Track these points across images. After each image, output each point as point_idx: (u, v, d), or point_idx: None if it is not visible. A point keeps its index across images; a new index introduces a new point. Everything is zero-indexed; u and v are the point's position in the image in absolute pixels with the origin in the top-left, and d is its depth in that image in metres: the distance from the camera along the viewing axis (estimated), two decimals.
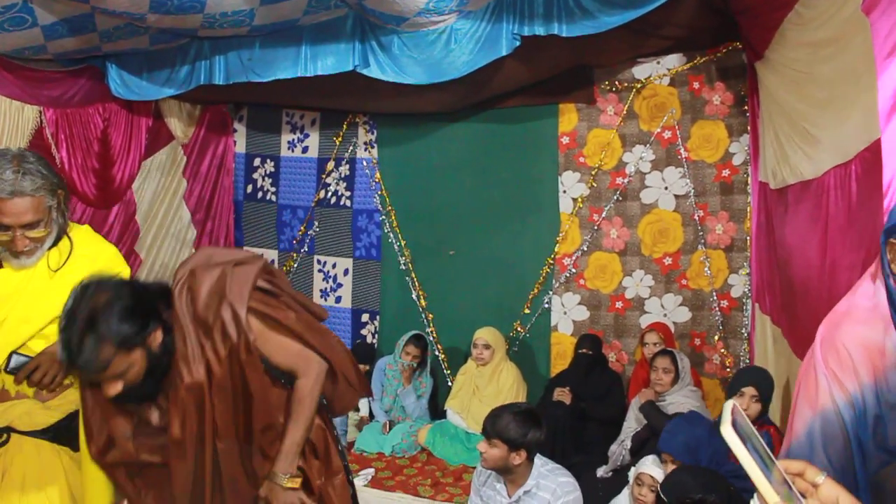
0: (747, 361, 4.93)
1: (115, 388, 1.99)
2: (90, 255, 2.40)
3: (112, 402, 2.10)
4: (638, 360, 5.16)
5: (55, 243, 2.34)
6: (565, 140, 5.47)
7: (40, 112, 4.98)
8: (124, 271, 2.45)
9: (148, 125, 5.73)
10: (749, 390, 3.61)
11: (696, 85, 5.08)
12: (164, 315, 2.10)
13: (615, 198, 5.33)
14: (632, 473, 3.45)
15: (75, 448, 2.32)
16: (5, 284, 2.26)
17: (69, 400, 2.33)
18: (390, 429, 5.26)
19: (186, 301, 2.12)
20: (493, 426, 3.07)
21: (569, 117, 5.46)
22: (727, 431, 1.04)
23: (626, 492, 3.48)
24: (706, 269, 5.11)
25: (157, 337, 2.08)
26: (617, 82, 5.29)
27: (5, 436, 2.28)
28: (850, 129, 2.84)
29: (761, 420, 3.69)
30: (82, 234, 2.45)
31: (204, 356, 2.11)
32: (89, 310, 1.90)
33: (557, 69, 5.07)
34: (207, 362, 2.11)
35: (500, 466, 3.10)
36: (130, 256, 5.66)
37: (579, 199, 5.42)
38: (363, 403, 5.60)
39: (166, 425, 2.13)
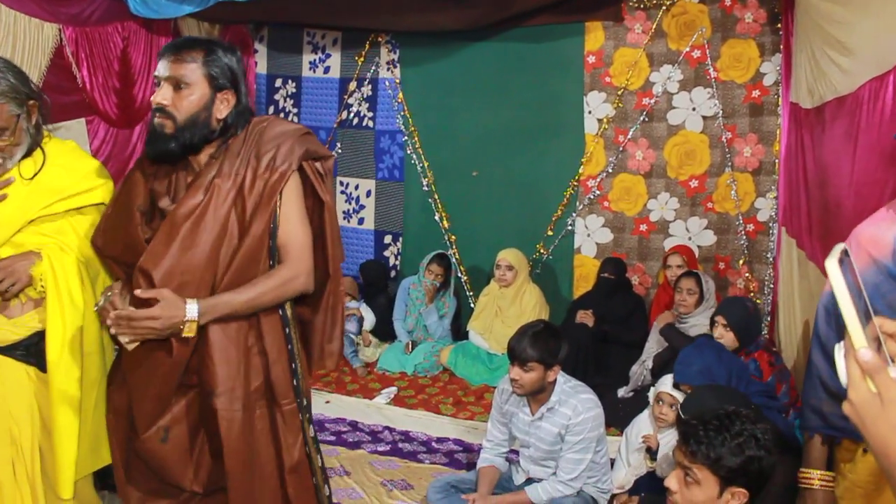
0: (772, 286, 4.90)
1: (166, 94, 2.07)
2: (67, 165, 2.36)
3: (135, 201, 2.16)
4: (661, 282, 5.15)
5: (28, 154, 2.31)
6: (591, 59, 5.35)
7: (60, 30, 4.93)
8: (107, 184, 2.41)
9: None
10: (720, 319, 3.79)
11: (727, 2, 4.92)
12: (244, 104, 2.18)
13: (641, 119, 5.24)
14: (652, 393, 3.46)
15: (43, 368, 2.27)
16: None
17: (37, 318, 2.28)
18: (413, 349, 5.32)
19: (260, 124, 2.19)
20: (526, 350, 3.03)
21: (595, 36, 5.33)
22: (831, 265, 1.01)
23: (647, 411, 3.51)
24: (733, 192, 5.04)
25: (230, 98, 2.14)
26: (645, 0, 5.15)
27: None
28: (888, 39, 2.75)
29: (747, 349, 3.74)
30: (62, 147, 2.41)
31: (243, 172, 2.11)
32: None
33: None
34: (243, 180, 2.11)
35: (536, 388, 3.11)
36: None
37: (604, 120, 5.34)
38: (367, 316, 5.64)
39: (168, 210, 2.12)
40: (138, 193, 2.18)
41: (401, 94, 5.96)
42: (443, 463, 4.06)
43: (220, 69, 2.12)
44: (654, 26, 5.13)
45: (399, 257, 6.14)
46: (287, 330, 2.23)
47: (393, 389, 4.87)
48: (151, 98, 2.11)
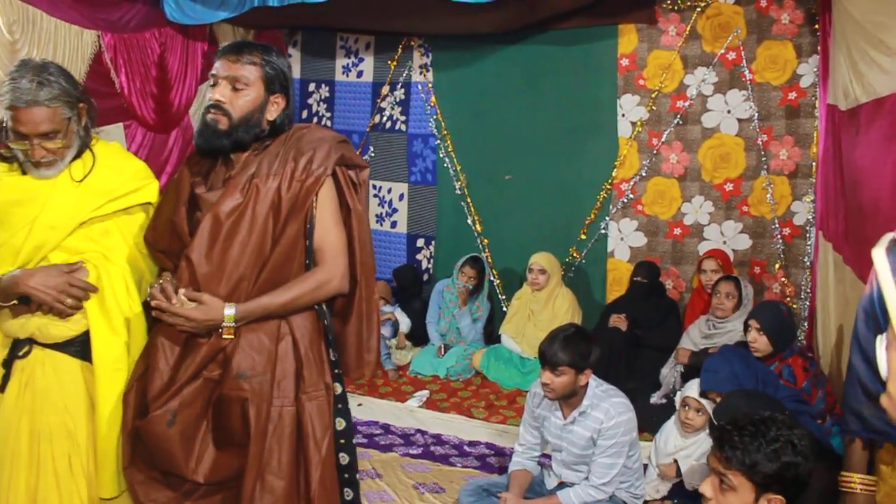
0: (809, 291, 4.83)
1: (223, 91, 2.15)
2: (115, 166, 2.40)
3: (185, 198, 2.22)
4: (695, 287, 5.10)
5: (78, 156, 2.35)
6: (625, 62, 5.32)
7: (99, 37, 5.01)
8: (152, 185, 2.46)
9: (203, 50, 5.73)
10: (753, 322, 3.73)
11: (763, 3, 4.87)
12: (291, 107, 2.26)
13: (675, 121, 5.20)
14: (678, 397, 3.43)
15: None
16: (29, 189, 2.28)
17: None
18: (445, 352, 5.32)
19: (300, 129, 2.27)
20: (557, 354, 3.02)
21: (628, 38, 5.30)
22: (878, 253, 1.00)
23: (674, 417, 3.48)
24: (768, 195, 4.98)
25: (280, 101, 2.23)
26: (679, 1, 5.10)
27: (27, 347, 2.30)
28: None
29: (781, 354, 3.68)
30: (109, 149, 2.45)
31: (281, 173, 2.16)
32: None
33: None
34: (280, 181, 2.16)
35: (568, 392, 3.10)
36: None
37: (638, 123, 5.31)
38: (403, 320, 5.66)
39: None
40: (184, 188, 2.26)
41: (433, 98, 5.97)
42: (475, 466, 4.06)
43: (274, 73, 2.21)
44: (688, 28, 5.10)
45: (432, 261, 6.15)
46: (324, 321, 2.28)
47: (425, 392, 4.88)
48: (208, 94, 2.19)
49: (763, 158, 4.97)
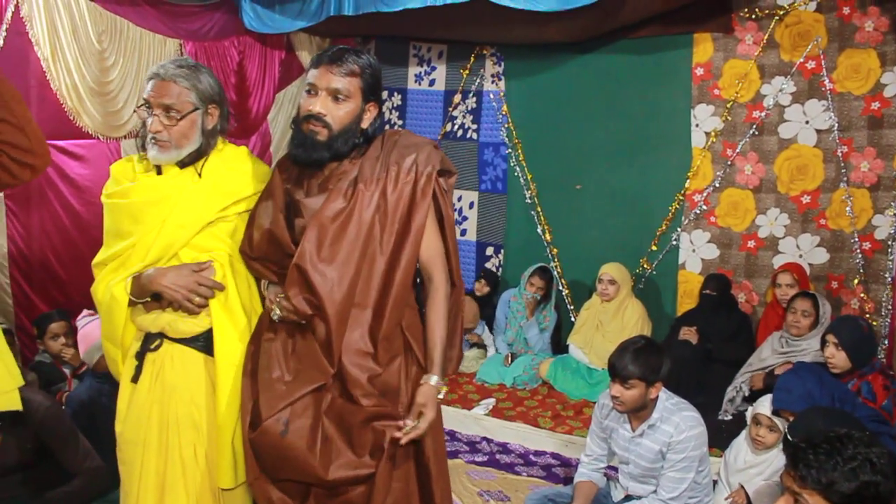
0: (890, 308, 4.68)
1: (324, 103, 2.17)
2: (241, 169, 2.47)
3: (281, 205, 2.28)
4: (770, 301, 4.98)
5: (202, 156, 2.42)
6: (699, 71, 5.25)
7: (181, 45, 5.18)
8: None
9: (281, 58, 5.87)
10: (831, 338, 3.60)
11: (845, 10, 4.75)
12: (382, 113, 2.29)
13: (751, 132, 5.11)
14: (749, 414, 3.35)
15: None
16: (162, 189, 2.37)
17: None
18: (512, 361, 5.31)
19: (395, 135, 2.30)
20: (627, 367, 2.99)
21: (704, 47, 5.23)
22: None
23: (744, 433, 3.40)
24: (848, 208, 4.84)
25: (374, 109, 2.26)
26: (757, 9, 5.01)
27: (158, 341, 2.40)
28: None
29: (861, 371, 3.55)
30: (236, 152, 2.52)
31: (384, 177, 2.19)
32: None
33: None
34: (384, 185, 2.18)
35: (637, 405, 3.07)
36: None
37: (712, 133, 5.22)
38: (487, 339, 5.67)
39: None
40: (279, 195, 2.30)
41: (505, 107, 5.99)
42: (540, 476, 4.04)
43: (372, 81, 2.23)
44: (765, 37, 5.00)
45: (500, 269, 6.15)
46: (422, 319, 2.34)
47: (491, 401, 4.88)
48: (304, 105, 2.20)
49: (843, 170, 4.83)
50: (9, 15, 4.21)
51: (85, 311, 3.97)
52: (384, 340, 2.21)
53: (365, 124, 2.25)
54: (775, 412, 3.20)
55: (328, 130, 2.17)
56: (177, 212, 2.34)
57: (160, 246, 2.34)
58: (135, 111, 2.38)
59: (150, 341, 2.41)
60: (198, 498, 2.39)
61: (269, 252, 2.28)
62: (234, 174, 2.45)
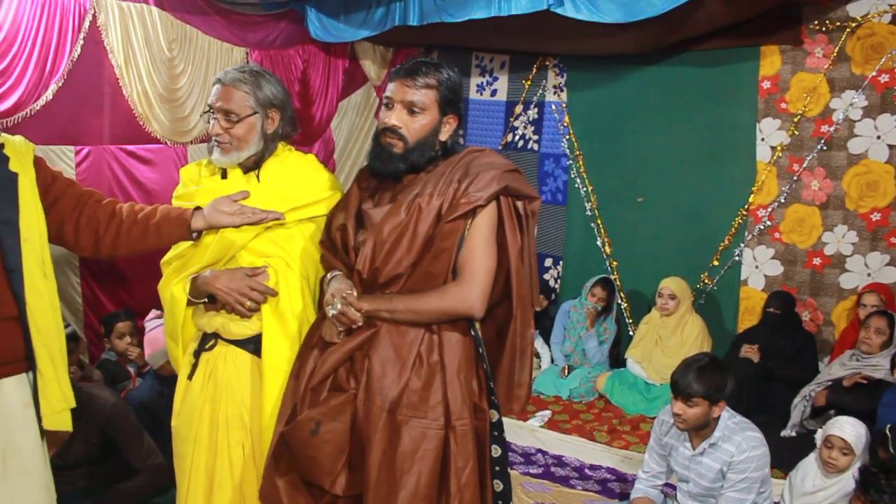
0: None
1: (399, 116, 2.19)
2: (302, 176, 2.50)
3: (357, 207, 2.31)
4: (852, 320, 4.82)
5: (259, 162, 2.47)
6: (766, 84, 5.16)
7: (247, 53, 5.29)
8: (335, 195, 2.51)
9: (344, 67, 5.94)
10: None
11: None
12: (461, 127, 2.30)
13: (819, 147, 5.00)
14: (819, 436, 3.27)
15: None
16: (215, 193, 2.43)
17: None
18: (569, 373, 5.28)
19: (473, 152, 2.27)
20: (690, 385, 2.94)
21: (771, 60, 5.14)
22: None
23: (813, 455, 3.32)
24: None
25: (452, 122, 2.26)
26: (828, 21, 4.90)
27: (213, 341, 2.46)
28: None
29: None
30: (299, 160, 2.56)
31: (444, 193, 2.16)
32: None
33: (762, 7, 4.77)
34: (443, 202, 2.16)
35: (700, 424, 3.02)
36: None
37: (778, 148, 5.13)
38: (544, 353, 5.64)
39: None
40: (353, 204, 2.34)
41: (567, 118, 5.97)
42: (595, 490, 4.01)
43: (449, 94, 2.22)
44: (836, 50, 4.89)
45: (559, 281, 6.12)
46: (480, 350, 2.25)
47: (547, 413, 4.86)
48: (381, 118, 2.23)
49: None
50: (86, 24, 4.35)
51: (153, 313, 4.07)
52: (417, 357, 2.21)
53: (444, 137, 2.25)
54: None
55: (404, 143, 2.19)
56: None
57: (218, 248, 2.40)
58: (200, 117, 2.46)
59: (206, 341, 2.48)
60: (245, 497, 2.42)
61: (338, 252, 2.33)
62: (295, 181, 2.48)
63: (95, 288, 4.69)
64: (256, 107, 2.40)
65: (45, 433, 2.35)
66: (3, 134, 2.33)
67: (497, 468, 2.24)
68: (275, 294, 2.37)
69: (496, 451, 2.24)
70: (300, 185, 2.48)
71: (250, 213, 2.32)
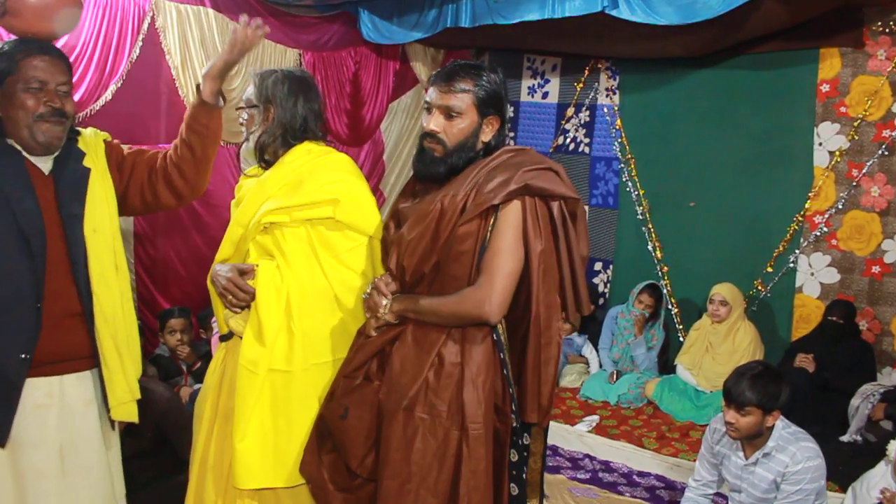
0: None
1: (438, 121, 2.21)
2: (314, 174, 2.47)
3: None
4: None
5: (266, 154, 2.53)
6: (825, 88, 5.06)
7: (300, 55, 5.35)
8: (343, 203, 2.44)
9: (395, 68, 5.97)
10: None
11: None
12: (505, 125, 2.29)
13: (880, 152, 4.88)
14: (893, 447, 3.14)
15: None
16: (238, 190, 2.60)
17: None
18: (617, 378, 5.23)
19: (508, 152, 2.25)
20: (744, 393, 2.90)
21: (831, 63, 5.03)
22: None
23: (882, 465, 3.20)
24: None
25: (495, 122, 2.24)
26: (892, 23, 4.78)
27: (229, 332, 2.54)
28: None
29: None
30: (321, 159, 2.53)
31: (467, 193, 2.15)
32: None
33: (822, 9, 4.67)
34: (466, 202, 2.14)
35: (753, 433, 2.97)
36: (375, 194, 5.95)
37: (837, 153, 5.02)
38: (592, 358, 5.59)
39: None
40: (396, 203, 2.40)
41: (619, 121, 5.92)
42: (644, 498, 3.97)
43: (487, 95, 2.21)
44: None
45: (608, 285, 6.06)
46: (502, 355, 2.21)
47: (595, 418, 4.81)
48: (422, 122, 2.26)
49: None
50: (145, 26, 4.45)
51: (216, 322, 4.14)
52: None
53: (486, 137, 2.24)
54: None
55: (443, 147, 2.21)
56: (239, 210, 2.51)
57: (227, 242, 2.51)
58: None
59: (229, 332, 2.56)
60: (228, 486, 2.45)
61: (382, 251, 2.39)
62: (304, 179, 2.46)
63: (150, 285, 4.78)
64: (256, 101, 2.51)
65: (114, 424, 2.42)
66: (80, 129, 2.42)
67: (514, 472, 2.24)
68: (251, 293, 2.39)
69: (514, 455, 2.23)
70: (309, 184, 2.45)
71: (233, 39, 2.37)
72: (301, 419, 2.38)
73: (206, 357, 4.21)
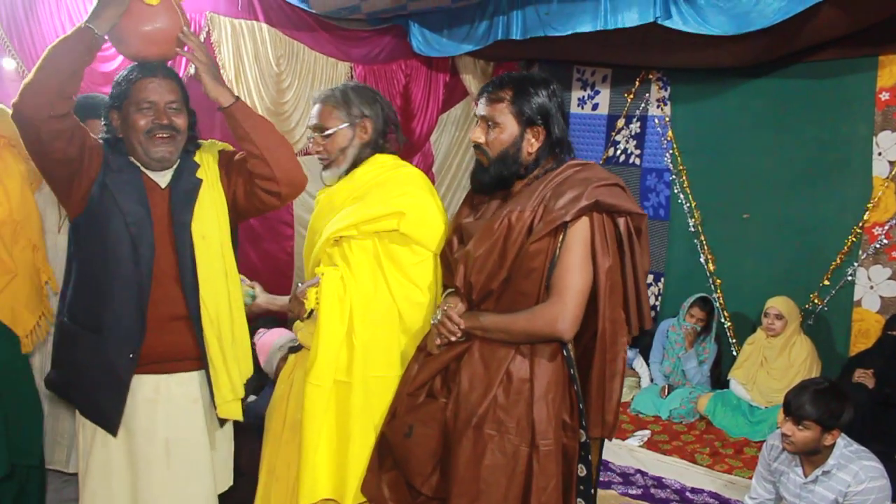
0: None
1: (480, 133, 2.26)
2: (381, 188, 2.48)
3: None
4: None
5: (350, 169, 2.53)
6: (884, 96, 4.93)
7: (351, 68, 5.39)
8: (407, 216, 2.42)
9: (445, 81, 5.98)
10: None
11: None
12: (557, 137, 2.27)
13: None
14: None
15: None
16: (315, 204, 2.62)
17: None
18: (669, 393, 5.15)
19: (573, 167, 2.24)
20: (804, 407, 2.84)
21: (890, 70, 4.90)
22: None
23: None
24: None
25: (541, 132, 2.24)
26: None
27: (298, 343, 2.59)
28: None
29: None
30: (394, 172, 2.54)
31: (535, 210, 2.15)
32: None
33: (882, 16, 4.53)
34: (534, 219, 2.14)
35: (809, 449, 2.91)
36: None
37: None
38: (643, 372, 5.52)
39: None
40: (458, 218, 2.39)
41: (670, 132, 5.84)
42: None
43: (529, 106, 2.21)
44: None
45: (660, 298, 5.99)
46: (572, 371, 2.20)
47: (646, 433, 4.74)
48: (470, 135, 2.33)
49: None
50: (201, 40, 4.51)
51: (260, 330, 4.15)
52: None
53: (531, 149, 2.25)
54: None
55: (486, 158, 2.26)
56: (310, 223, 2.59)
57: (305, 254, 2.58)
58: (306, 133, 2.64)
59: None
60: (296, 496, 2.44)
61: (447, 270, 2.38)
62: (372, 191, 2.48)
63: None
64: (346, 119, 2.50)
65: (223, 422, 2.53)
66: (201, 142, 2.53)
67: (581, 487, 2.22)
68: (303, 300, 2.43)
69: (581, 470, 2.21)
70: (377, 198, 2.46)
71: None
72: (361, 432, 2.39)
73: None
